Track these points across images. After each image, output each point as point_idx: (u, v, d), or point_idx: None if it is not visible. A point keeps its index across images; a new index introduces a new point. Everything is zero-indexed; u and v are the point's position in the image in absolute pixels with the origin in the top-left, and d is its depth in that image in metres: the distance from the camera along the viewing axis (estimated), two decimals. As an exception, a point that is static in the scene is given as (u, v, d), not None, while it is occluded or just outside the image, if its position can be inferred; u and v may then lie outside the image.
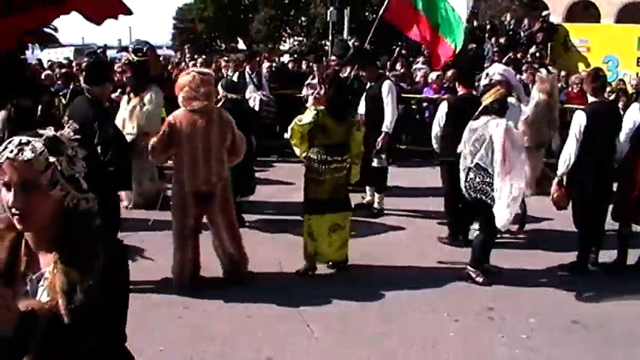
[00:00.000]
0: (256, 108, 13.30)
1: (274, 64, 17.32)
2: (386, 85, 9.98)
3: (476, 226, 9.02)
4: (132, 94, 10.37)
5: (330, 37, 29.31)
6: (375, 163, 9.92)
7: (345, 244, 7.75)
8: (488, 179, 7.11)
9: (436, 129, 8.95)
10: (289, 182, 11.60)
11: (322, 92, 7.59)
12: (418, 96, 15.02)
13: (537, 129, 9.40)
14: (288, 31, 41.41)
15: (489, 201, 7.12)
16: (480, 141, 7.15)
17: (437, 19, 11.63)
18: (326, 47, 36.06)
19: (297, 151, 7.63)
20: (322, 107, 7.39)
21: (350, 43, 12.52)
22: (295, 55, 27.15)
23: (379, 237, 9.24)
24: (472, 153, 7.23)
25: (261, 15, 39.44)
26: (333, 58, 12.96)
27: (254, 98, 13.49)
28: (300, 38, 40.66)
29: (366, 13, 37.02)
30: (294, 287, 7.26)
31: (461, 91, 9.00)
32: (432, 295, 7.17)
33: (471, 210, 8.17)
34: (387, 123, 9.84)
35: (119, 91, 10.91)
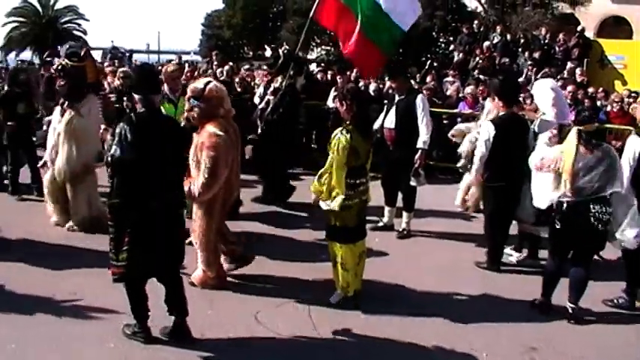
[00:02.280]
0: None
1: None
2: (419, 100, 9.41)
3: (508, 250, 8.64)
4: (66, 105, 9.34)
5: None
6: (412, 183, 9.41)
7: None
8: (609, 208, 6.62)
9: (482, 152, 8.13)
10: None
11: (344, 109, 6.94)
12: (451, 111, 14.42)
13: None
14: (316, 40, 40.88)
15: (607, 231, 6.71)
16: (599, 173, 6.55)
17: (360, 16, 10.96)
18: (354, 58, 35.66)
19: (335, 202, 6.73)
20: (349, 126, 6.77)
21: (281, 51, 11.88)
22: (322, 64, 26.72)
23: (410, 260, 8.67)
24: (591, 187, 6.57)
25: (290, 24, 38.98)
26: (264, 67, 12.39)
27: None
28: (328, 47, 40.19)
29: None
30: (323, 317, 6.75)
31: (501, 110, 8.29)
32: (469, 330, 6.60)
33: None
34: (424, 139, 9.28)
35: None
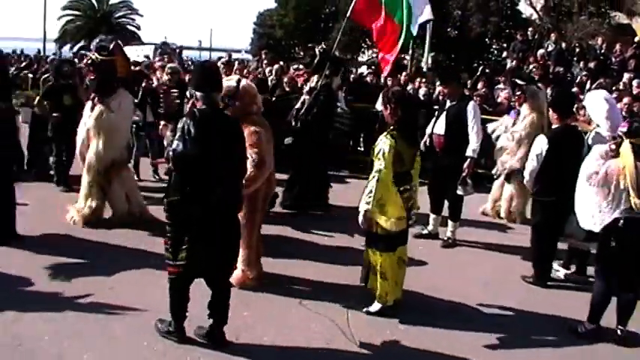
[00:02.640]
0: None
1: (352, 76, 16.74)
2: (471, 107, 9.16)
3: (556, 265, 8.45)
4: (96, 100, 9.26)
5: (411, 52, 28.64)
6: (459, 192, 9.21)
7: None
8: None
9: (533, 165, 7.88)
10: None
11: (387, 113, 6.75)
12: (501, 118, 14.04)
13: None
14: (368, 42, 40.70)
15: None
16: None
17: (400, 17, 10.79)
18: (404, 62, 35.46)
19: (388, 221, 6.54)
20: (393, 131, 6.58)
21: (317, 50, 11.60)
22: (373, 67, 26.59)
23: (454, 270, 8.46)
24: None
25: (343, 24, 38.96)
26: (300, 67, 12.03)
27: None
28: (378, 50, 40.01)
29: (448, 29, 36.24)
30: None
31: (555, 122, 8.00)
32: (511, 346, 6.39)
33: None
34: (474, 147, 9.06)
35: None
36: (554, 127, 7.99)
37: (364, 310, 6.81)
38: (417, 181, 7.01)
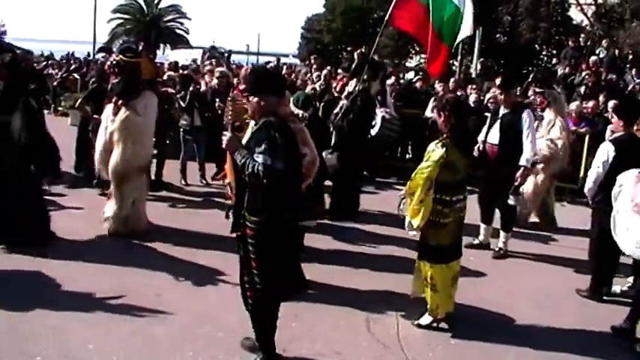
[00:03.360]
0: (377, 125, 12.60)
1: (400, 81, 16.57)
2: (526, 115, 8.96)
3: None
4: (121, 103, 8.90)
5: (460, 57, 28.44)
6: (511, 202, 9.03)
7: None
8: None
9: (598, 173, 7.62)
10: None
11: (441, 121, 6.57)
12: (554, 127, 13.78)
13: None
14: (416, 47, 40.52)
15: None
16: None
17: (439, 18, 10.45)
18: (454, 67, 35.15)
19: (416, 221, 6.35)
20: (446, 139, 6.37)
21: (355, 54, 11.29)
22: (421, 73, 26.37)
23: (505, 282, 8.24)
24: None
25: (390, 29, 38.72)
26: (339, 71, 11.61)
27: (376, 115, 12.79)
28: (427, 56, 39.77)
29: (497, 35, 35.92)
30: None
31: (620, 129, 7.72)
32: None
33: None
34: (528, 157, 8.85)
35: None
36: (618, 134, 7.69)
37: (415, 322, 6.66)
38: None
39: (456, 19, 10.54)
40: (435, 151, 6.29)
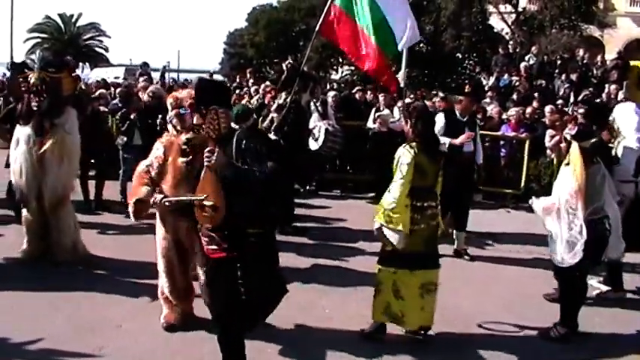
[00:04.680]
0: (321, 138, 12.44)
1: (341, 93, 16.48)
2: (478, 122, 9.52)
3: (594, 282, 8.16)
4: (47, 122, 8.31)
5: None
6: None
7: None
8: None
9: None
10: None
11: (408, 127, 6.55)
12: (495, 134, 13.94)
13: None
14: (340, 60, 40.64)
15: None
16: None
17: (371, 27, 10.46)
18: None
19: (402, 228, 6.23)
20: (413, 143, 6.36)
21: (284, 65, 11.21)
22: (342, 85, 26.35)
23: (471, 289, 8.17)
24: None
25: (314, 42, 38.88)
26: (267, 83, 11.41)
27: (319, 128, 12.60)
28: (352, 67, 39.91)
29: (421, 45, 36.24)
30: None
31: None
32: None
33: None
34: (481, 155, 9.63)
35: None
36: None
37: (361, 329, 6.64)
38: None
39: (386, 28, 10.48)
40: (404, 154, 6.27)
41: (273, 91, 11.13)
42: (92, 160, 12.02)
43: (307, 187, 13.97)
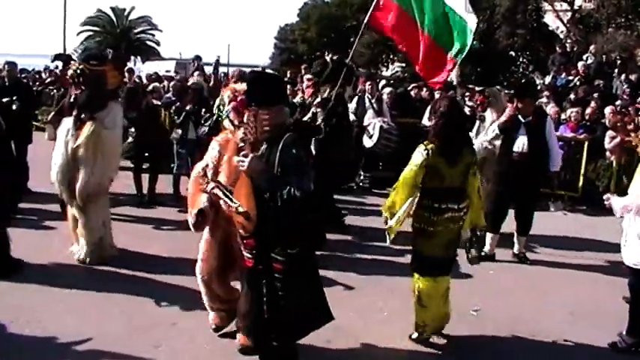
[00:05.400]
0: (375, 136, 12.31)
1: (397, 90, 16.23)
2: (549, 122, 9.23)
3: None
4: (85, 115, 8.11)
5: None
6: (552, 208, 10.01)
7: None
8: None
9: None
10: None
11: (431, 125, 6.26)
12: (553, 135, 13.55)
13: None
14: (391, 56, 40.41)
15: None
16: None
17: (426, 20, 10.13)
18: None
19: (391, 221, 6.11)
20: (431, 144, 6.06)
21: (328, 59, 10.69)
22: (392, 82, 26.08)
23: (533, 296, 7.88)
24: None
25: (365, 38, 38.60)
26: (308, 77, 11.00)
27: (374, 125, 12.52)
28: (403, 64, 39.63)
29: (474, 42, 35.83)
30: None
31: None
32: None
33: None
34: (558, 162, 9.27)
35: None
36: None
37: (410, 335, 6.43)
38: (476, 202, 6.38)
39: (453, 25, 10.24)
40: (416, 154, 6.06)
41: (314, 87, 10.62)
42: (146, 154, 11.99)
43: (360, 184, 13.78)
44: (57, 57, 17.07)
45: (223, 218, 5.59)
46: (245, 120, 4.67)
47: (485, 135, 9.98)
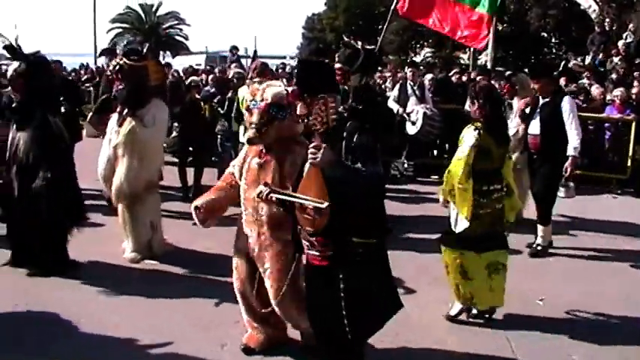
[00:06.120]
0: (419, 123, 12.20)
1: (438, 76, 16.10)
2: (567, 102, 8.55)
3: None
4: (125, 112, 7.95)
5: (473, 49, 28.00)
6: (561, 194, 8.55)
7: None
8: None
9: None
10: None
11: (474, 109, 6.27)
12: (598, 115, 13.40)
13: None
14: (421, 42, 40.21)
15: None
16: None
17: None
18: (461, 60, 34.67)
19: (463, 213, 6.04)
20: (478, 124, 6.13)
21: (359, 45, 10.31)
22: (421, 68, 25.89)
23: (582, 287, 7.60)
24: None
25: (394, 25, 38.41)
26: (338, 65, 10.64)
27: (417, 112, 12.39)
28: (433, 50, 39.42)
29: (505, 25, 35.49)
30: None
31: None
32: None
33: None
34: (575, 145, 8.32)
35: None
36: None
37: (445, 315, 6.44)
38: (511, 182, 6.46)
39: None
40: (468, 135, 6.10)
41: (343, 76, 10.23)
42: (190, 148, 11.99)
43: (404, 173, 13.71)
44: (103, 52, 17.11)
45: (255, 224, 5.30)
46: (314, 110, 4.45)
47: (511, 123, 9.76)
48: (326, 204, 4.11)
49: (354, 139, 4.44)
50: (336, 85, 4.88)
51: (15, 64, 7.51)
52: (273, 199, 4.61)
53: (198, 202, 5.39)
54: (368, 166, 4.26)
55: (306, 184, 4.37)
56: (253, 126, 5.13)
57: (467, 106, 12.68)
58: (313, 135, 4.31)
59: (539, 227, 8.82)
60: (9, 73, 7.67)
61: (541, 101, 8.78)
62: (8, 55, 7.85)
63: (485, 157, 6.07)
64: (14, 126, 7.44)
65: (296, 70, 5.41)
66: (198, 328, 6.22)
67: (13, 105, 7.52)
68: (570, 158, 8.35)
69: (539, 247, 8.76)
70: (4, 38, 7.62)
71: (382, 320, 4.70)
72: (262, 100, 5.13)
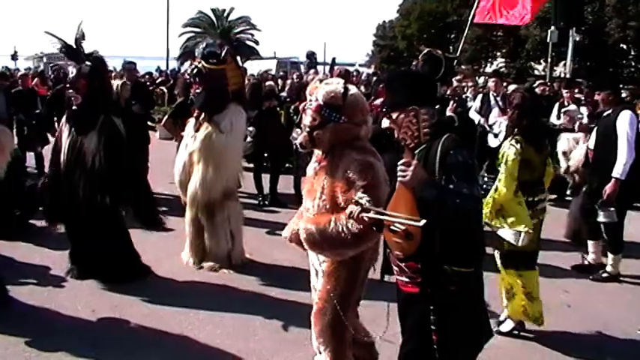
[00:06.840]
0: (502, 134, 11.84)
1: (523, 87, 15.68)
2: (624, 117, 7.57)
3: None
4: (202, 117, 7.66)
5: (550, 60, 27.41)
6: (601, 218, 7.56)
7: None
8: None
9: None
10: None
11: (513, 118, 6.11)
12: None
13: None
14: (495, 52, 39.66)
15: None
16: None
17: None
18: (535, 71, 34.05)
19: (522, 227, 5.72)
20: (518, 136, 5.92)
21: (441, 55, 9.76)
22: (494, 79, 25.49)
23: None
24: None
25: (468, 34, 37.99)
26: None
27: (499, 124, 12.03)
28: (506, 60, 38.85)
29: (582, 36, 34.78)
30: None
31: None
32: None
33: None
34: (620, 166, 7.40)
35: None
36: None
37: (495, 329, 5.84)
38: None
39: None
40: (510, 148, 5.88)
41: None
42: (265, 154, 11.81)
43: (483, 186, 13.31)
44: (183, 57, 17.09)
45: None
46: (403, 123, 4.04)
47: None
48: (423, 221, 3.71)
49: (449, 156, 4.02)
50: (432, 98, 4.41)
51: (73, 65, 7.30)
52: (365, 219, 4.12)
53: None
54: (466, 187, 3.76)
55: (395, 203, 3.96)
56: (305, 129, 4.64)
57: (552, 119, 12.42)
58: (402, 149, 3.96)
59: (611, 255, 7.93)
60: (70, 75, 7.48)
61: (605, 113, 8.02)
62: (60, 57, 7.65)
63: (526, 167, 5.91)
64: (71, 129, 7.04)
65: (386, 82, 4.90)
66: (287, 344, 5.85)
67: (73, 108, 7.10)
68: (612, 180, 7.48)
69: (606, 275, 7.90)
70: (57, 39, 7.35)
71: (474, 352, 4.34)
72: (316, 100, 4.62)
